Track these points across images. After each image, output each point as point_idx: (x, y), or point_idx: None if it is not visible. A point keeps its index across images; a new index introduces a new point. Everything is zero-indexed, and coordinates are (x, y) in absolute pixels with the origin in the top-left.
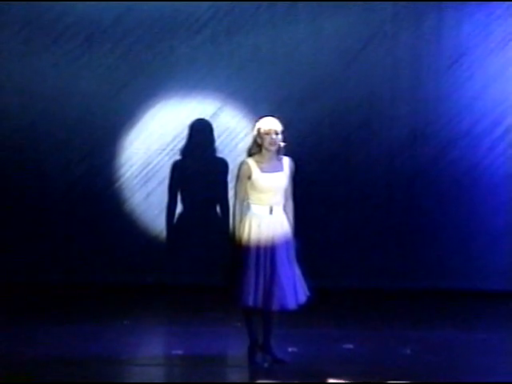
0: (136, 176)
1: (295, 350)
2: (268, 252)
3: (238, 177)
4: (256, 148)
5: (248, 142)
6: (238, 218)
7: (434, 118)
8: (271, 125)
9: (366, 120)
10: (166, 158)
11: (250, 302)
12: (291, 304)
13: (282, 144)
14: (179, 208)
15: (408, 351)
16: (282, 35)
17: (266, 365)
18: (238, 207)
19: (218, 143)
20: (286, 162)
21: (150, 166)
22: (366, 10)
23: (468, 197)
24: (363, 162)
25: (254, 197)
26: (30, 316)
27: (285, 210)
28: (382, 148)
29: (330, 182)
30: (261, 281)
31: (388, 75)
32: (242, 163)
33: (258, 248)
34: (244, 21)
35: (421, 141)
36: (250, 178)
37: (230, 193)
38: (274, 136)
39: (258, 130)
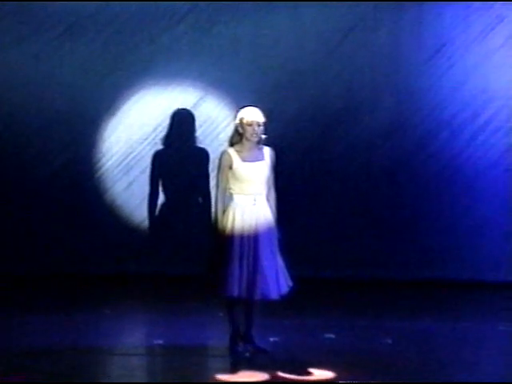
0: (117, 165)
1: (277, 339)
2: (251, 242)
3: (219, 167)
4: (237, 137)
5: (229, 131)
6: (220, 207)
7: (414, 109)
8: (254, 116)
9: (346, 111)
10: (148, 147)
11: (235, 293)
12: (273, 294)
13: (264, 136)
14: (161, 198)
15: (389, 341)
16: (263, 25)
17: (247, 354)
18: (219, 197)
19: (199, 133)
20: (267, 151)
21: (132, 156)
22: (346, 0)
23: (449, 187)
24: (344, 153)
25: (236, 187)
26: (10, 307)
27: (267, 199)
28: (363, 139)
29: (310, 172)
30: (244, 271)
31: (369, 66)
32: (223, 153)
33: (241, 238)
34: (225, 10)
35: (402, 131)
36: (231, 167)
37: (212, 182)
38: (256, 128)
39: (241, 119)
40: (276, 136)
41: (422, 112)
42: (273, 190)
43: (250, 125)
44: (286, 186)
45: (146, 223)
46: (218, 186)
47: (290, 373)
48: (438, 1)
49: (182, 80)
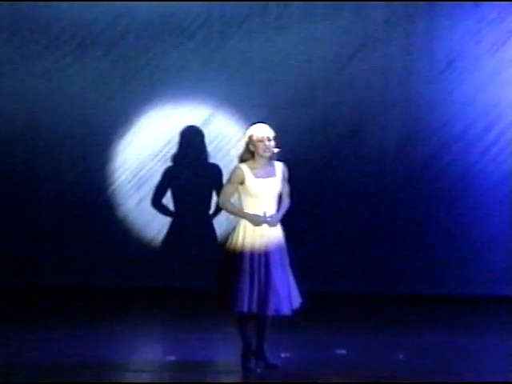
0: (129, 182)
1: (288, 355)
2: (262, 257)
3: (229, 179)
4: (248, 155)
5: (241, 147)
6: (234, 209)
7: (426, 124)
8: (264, 132)
9: (357, 125)
10: (159, 163)
11: (245, 308)
12: (286, 309)
13: (276, 150)
14: (172, 213)
15: (401, 356)
16: (274, 40)
17: (258, 370)
18: (227, 204)
19: (210, 149)
20: (279, 166)
21: (143, 172)
22: (357, 15)
23: (460, 202)
24: (355, 168)
25: (247, 203)
26: (20, 321)
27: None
28: (374, 153)
29: (321, 187)
30: (255, 286)
31: (380, 81)
32: (236, 168)
33: (252, 254)
34: (236, 26)
35: (413, 146)
36: (242, 183)
37: None
38: (267, 143)
39: (250, 137)
40: (287, 151)
41: (433, 126)
42: (287, 200)
43: (261, 141)
44: (296, 200)
45: (157, 239)
46: (222, 194)
47: None
48: (450, 0)
49: (193, 96)
